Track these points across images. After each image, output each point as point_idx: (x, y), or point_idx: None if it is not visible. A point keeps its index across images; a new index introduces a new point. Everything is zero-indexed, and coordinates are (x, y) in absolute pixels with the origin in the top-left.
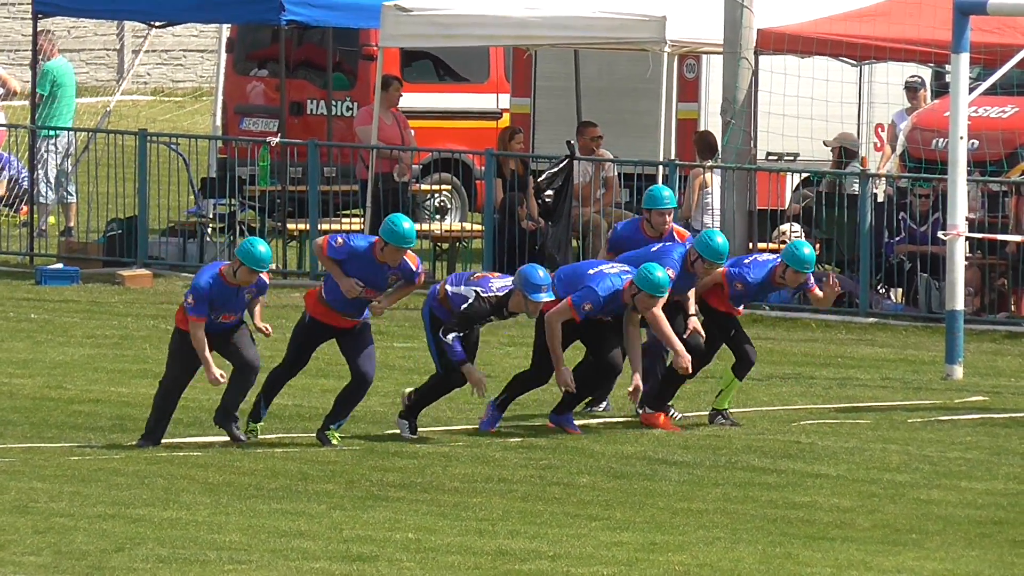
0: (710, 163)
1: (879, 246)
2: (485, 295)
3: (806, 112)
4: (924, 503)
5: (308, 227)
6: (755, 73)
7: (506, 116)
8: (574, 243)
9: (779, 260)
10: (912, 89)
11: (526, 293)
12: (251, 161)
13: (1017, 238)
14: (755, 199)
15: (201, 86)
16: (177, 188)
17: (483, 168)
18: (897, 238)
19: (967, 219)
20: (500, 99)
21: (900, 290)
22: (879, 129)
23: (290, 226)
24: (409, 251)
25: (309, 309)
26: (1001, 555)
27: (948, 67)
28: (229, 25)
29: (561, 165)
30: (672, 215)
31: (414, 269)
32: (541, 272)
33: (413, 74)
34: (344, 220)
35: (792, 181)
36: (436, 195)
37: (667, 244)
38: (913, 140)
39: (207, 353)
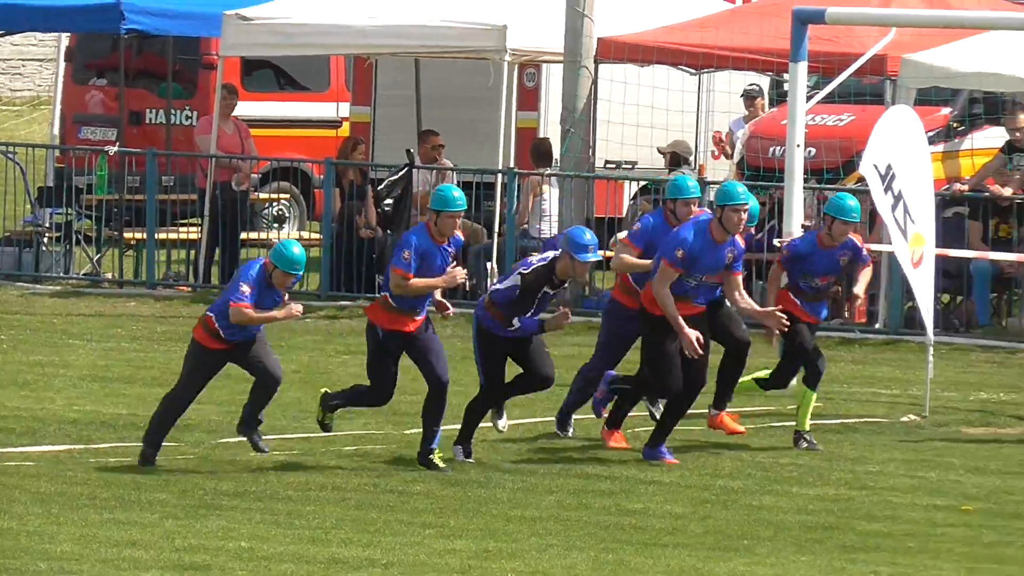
0: (548, 171)
1: None
2: (527, 271)
3: (646, 120)
4: (756, 509)
5: (145, 236)
6: (594, 82)
7: (346, 125)
8: None
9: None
10: (750, 97)
11: (573, 253)
12: (88, 170)
13: None
14: (593, 207)
15: (40, 95)
16: (13, 197)
17: (322, 177)
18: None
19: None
20: (340, 108)
21: None
22: (716, 137)
23: (127, 235)
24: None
25: None
26: (831, 560)
27: (786, 76)
28: (69, 34)
29: (401, 174)
30: (697, 204)
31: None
32: (588, 234)
33: (254, 83)
34: (182, 229)
35: (630, 189)
36: (274, 204)
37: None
38: (751, 148)
39: (271, 313)
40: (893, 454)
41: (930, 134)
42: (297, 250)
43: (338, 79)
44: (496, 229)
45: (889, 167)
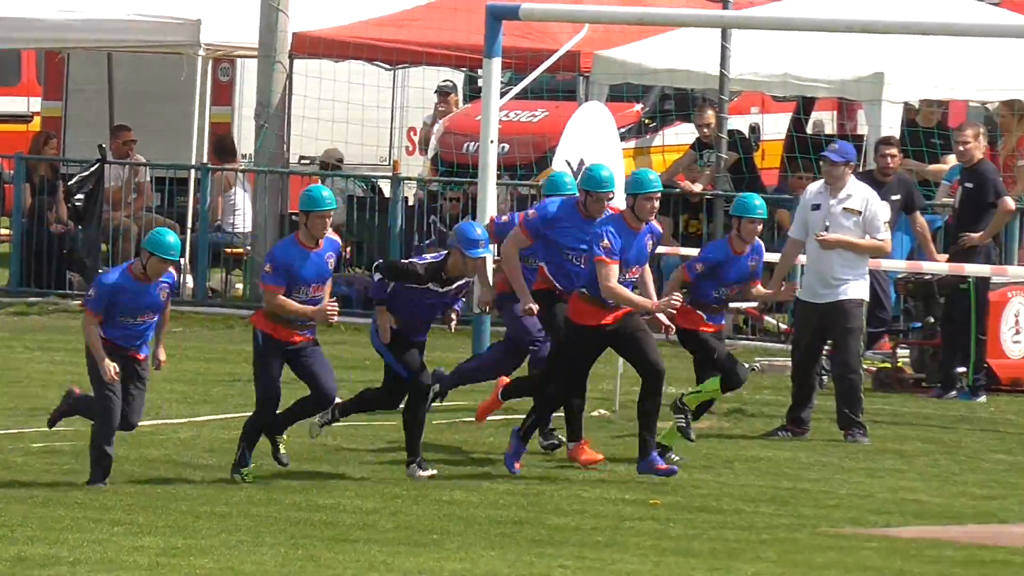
0: (242, 166)
1: (409, 248)
2: (420, 262)
3: (342, 116)
4: (446, 504)
5: None
6: (289, 77)
7: (37, 120)
8: (104, 247)
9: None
10: (443, 93)
11: (464, 250)
12: None
13: None
14: (287, 202)
15: None
16: None
17: (12, 172)
18: (427, 241)
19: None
20: (31, 102)
21: None
22: (412, 133)
23: None
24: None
25: None
26: (519, 554)
27: (480, 71)
28: None
29: (92, 169)
30: (611, 198)
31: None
32: (479, 229)
33: None
34: None
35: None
36: None
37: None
38: (445, 144)
39: (101, 353)
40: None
41: (622, 130)
42: (171, 237)
43: (29, 73)
44: (189, 225)
45: (582, 162)
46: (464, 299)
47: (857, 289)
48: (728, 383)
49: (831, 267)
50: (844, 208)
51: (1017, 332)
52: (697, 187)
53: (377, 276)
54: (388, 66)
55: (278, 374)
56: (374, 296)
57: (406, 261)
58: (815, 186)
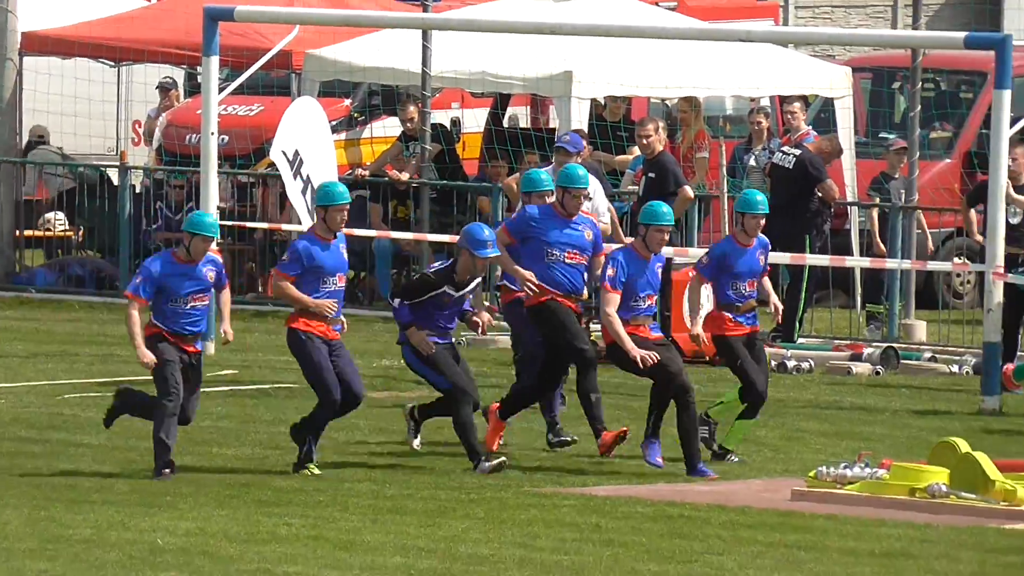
0: None
1: (138, 233)
2: (430, 272)
3: (70, 110)
4: (178, 468)
5: None
6: (20, 73)
7: None
8: None
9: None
10: (164, 89)
11: (472, 250)
12: None
13: (264, 225)
14: (21, 190)
15: None
16: None
17: None
18: (155, 225)
19: (218, 208)
20: None
21: None
22: (136, 125)
23: None
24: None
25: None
26: (248, 513)
27: (199, 68)
28: None
29: None
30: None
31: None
32: (486, 230)
33: None
34: None
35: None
36: None
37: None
38: (168, 136)
39: (139, 339)
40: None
41: (333, 123)
42: (210, 218)
43: None
44: None
45: (297, 153)
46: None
47: None
48: (746, 394)
49: None
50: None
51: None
52: (404, 176)
53: (397, 301)
54: (112, 63)
55: (330, 365)
56: (404, 321)
57: (416, 277)
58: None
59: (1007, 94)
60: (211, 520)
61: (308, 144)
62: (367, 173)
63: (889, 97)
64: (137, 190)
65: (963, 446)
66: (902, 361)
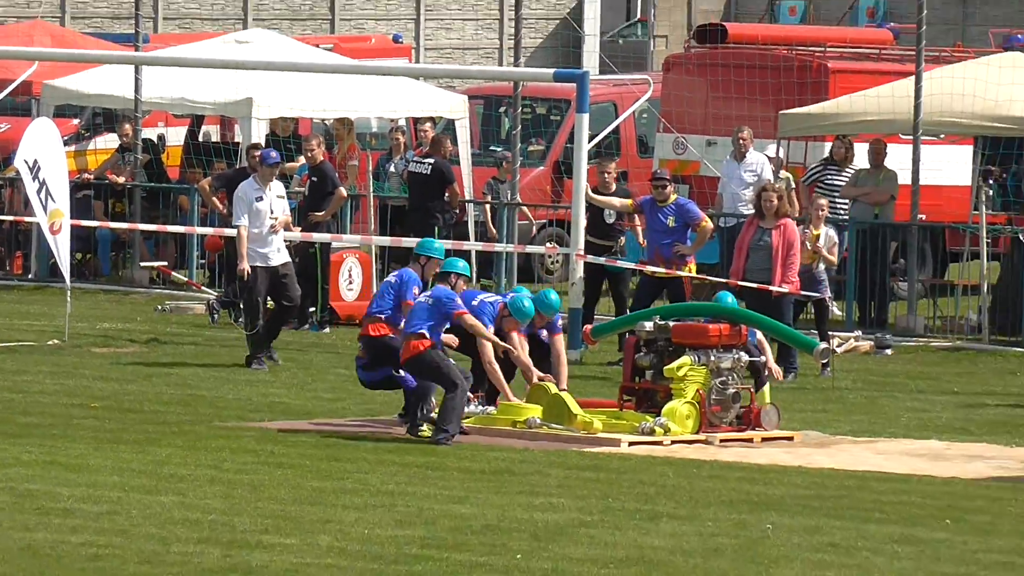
0: None
1: None
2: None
3: None
4: None
5: None
6: None
7: None
8: None
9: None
10: None
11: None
12: None
13: (11, 217)
14: None
15: None
16: None
17: None
18: None
19: None
20: None
21: None
22: None
23: None
24: None
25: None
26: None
27: None
28: None
29: None
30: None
31: None
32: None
33: None
34: None
35: None
36: None
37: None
38: None
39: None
40: (42, 367)
41: (66, 138)
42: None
43: None
44: None
45: (36, 162)
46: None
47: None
48: None
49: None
50: (278, 196)
51: (351, 282)
52: (121, 179)
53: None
54: None
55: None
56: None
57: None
58: (250, 183)
59: (586, 117)
60: None
61: (45, 155)
62: (92, 177)
63: (496, 119)
64: None
65: (552, 388)
66: None
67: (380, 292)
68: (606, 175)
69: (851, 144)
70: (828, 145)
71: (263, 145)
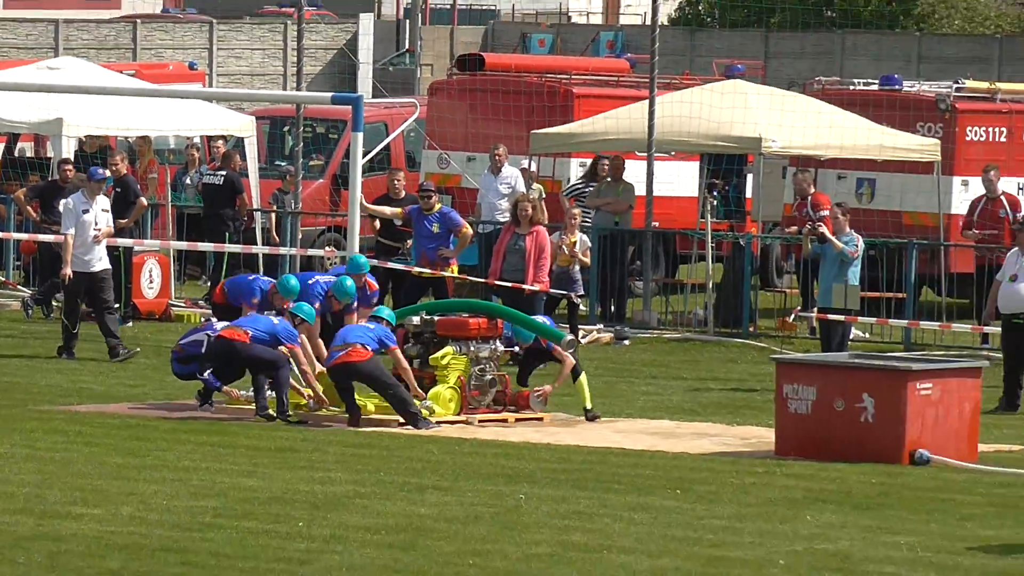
0: None
1: None
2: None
3: None
4: None
5: None
6: None
7: None
8: None
9: None
10: None
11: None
12: None
13: None
14: None
15: None
16: None
17: None
18: None
19: None
20: None
21: None
22: None
23: None
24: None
25: None
26: None
27: None
28: None
29: None
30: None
31: None
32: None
33: None
34: None
35: None
36: None
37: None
38: None
39: None
40: None
41: None
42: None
43: None
44: None
45: None
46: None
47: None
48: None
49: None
50: (103, 209)
51: (151, 282)
52: None
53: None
54: None
55: None
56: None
57: None
58: (79, 196)
59: (360, 135)
60: None
61: None
62: None
63: (281, 137)
64: None
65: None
66: None
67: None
68: (396, 182)
69: (622, 162)
70: (574, 161)
71: (72, 160)
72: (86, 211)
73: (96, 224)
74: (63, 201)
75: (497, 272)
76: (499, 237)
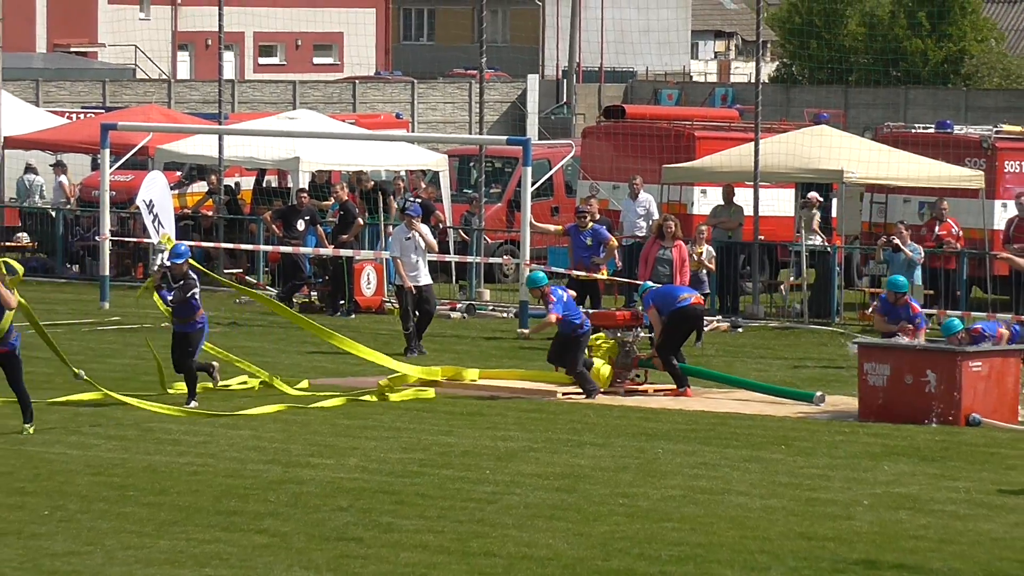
0: None
1: (66, 243)
2: None
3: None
4: None
5: None
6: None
7: None
8: None
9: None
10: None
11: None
12: None
13: (135, 239)
14: None
15: None
16: None
17: None
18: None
19: (110, 230)
20: None
21: None
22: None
23: None
24: None
25: None
26: None
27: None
28: None
29: None
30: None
31: None
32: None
33: None
34: None
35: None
36: None
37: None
38: (85, 192)
39: None
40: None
41: (172, 185)
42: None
43: None
44: None
45: (151, 201)
46: None
47: None
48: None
49: None
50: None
51: (369, 283)
52: (210, 212)
53: None
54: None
55: None
56: None
57: None
58: (402, 228)
59: (529, 169)
60: None
61: (157, 196)
62: (190, 211)
63: (468, 171)
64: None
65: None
66: (478, 311)
67: None
68: (589, 205)
69: (733, 189)
70: (696, 188)
71: (306, 189)
72: (408, 238)
73: (417, 247)
74: (394, 229)
75: (645, 277)
76: (644, 249)
